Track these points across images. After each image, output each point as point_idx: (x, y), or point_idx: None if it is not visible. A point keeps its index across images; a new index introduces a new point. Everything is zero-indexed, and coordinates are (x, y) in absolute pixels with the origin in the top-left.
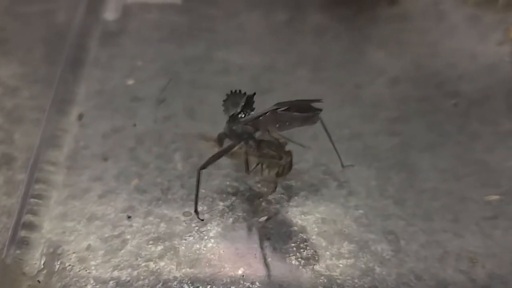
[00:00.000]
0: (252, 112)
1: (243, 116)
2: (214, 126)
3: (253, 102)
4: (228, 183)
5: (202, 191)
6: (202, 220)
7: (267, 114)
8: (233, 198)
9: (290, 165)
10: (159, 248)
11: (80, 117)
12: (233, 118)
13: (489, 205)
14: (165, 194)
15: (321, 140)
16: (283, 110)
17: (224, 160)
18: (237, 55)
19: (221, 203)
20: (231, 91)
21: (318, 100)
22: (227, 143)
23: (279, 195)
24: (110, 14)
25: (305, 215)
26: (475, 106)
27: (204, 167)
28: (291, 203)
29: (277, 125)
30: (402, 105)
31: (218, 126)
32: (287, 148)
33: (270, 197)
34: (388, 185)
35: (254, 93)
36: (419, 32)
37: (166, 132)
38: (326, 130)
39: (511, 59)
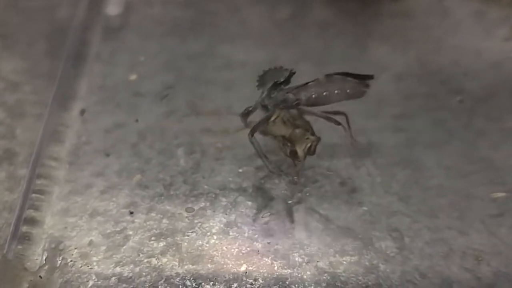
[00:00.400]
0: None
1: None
2: (217, 122)
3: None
4: (231, 179)
5: (205, 187)
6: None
7: (320, 78)
8: (236, 194)
9: (315, 147)
10: (162, 244)
11: (82, 112)
12: (275, 86)
13: (494, 202)
14: (167, 190)
15: (324, 136)
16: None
17: (227, 155)
18: (240, 50)
19: (224, 199)
20: (269, 68)
21: (370, 76)
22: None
23: (283, 192)
24: (112, 8)
25: (308, 212)
26: (481, 103)
27: (253, 132)
28: (294, 200)
29: (325, 93)
30: (407, 102)
31: (221, 122)
32: None
33: (273, 193)
34: (393, 182)
35: (294, 72)
36: (423, 28)
37: (168, 127)
38: (346, 129)
39: None
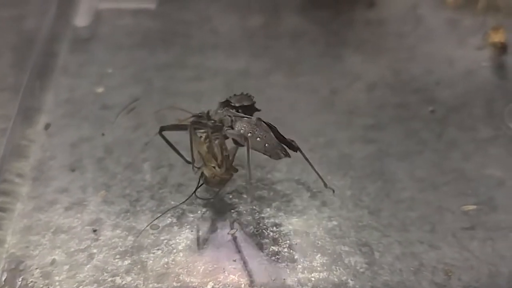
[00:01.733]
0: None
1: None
2: (186, 135)
3: (253, 111)
4: (198, 194)
5: (171, 202)
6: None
7: (253, 118)
8: (203, 209)
9: (222, 181)
10: (126, 262)
11: (47, 126)
12: (226, 103)
13: (466, 215)
14: (133, 206)
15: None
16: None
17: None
18: (210, 60)
19: (191, 215)
20: (243, 93)
21: (294, 147)
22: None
23: (251, 207)
24: (81, 19)
25: (277, 227)
26: (453, 112)
27: (163, 129)
28: (263, 215)
29: (249, 133)
30: (379, 112)
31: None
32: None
33: (241, 208)
34: (363, 195)
35: (259, 110)
36: (396, 36)
37: (135, 141)
38: (306, 158)
39: (490, 64)
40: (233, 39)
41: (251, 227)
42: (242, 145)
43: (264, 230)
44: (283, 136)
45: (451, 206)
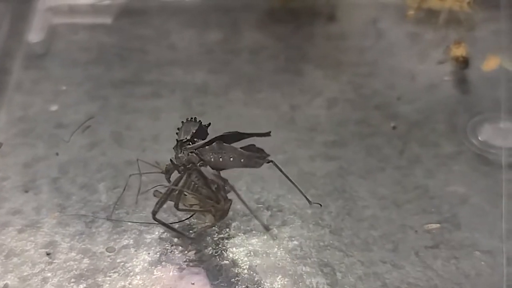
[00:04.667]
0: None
1: (190, 144)
2: (142, 154)
3: (206, 132)
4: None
5: (128, 223)
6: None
7: (213, 143)
8: (161, 230)
9: (226, 212)
10: (82, 286)
11: (0, 145)
12: (180, 144)
13: (429, 233)
14: (89, 228)
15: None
16: (229, 137)
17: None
18: (168, 76)
19: (148, 236)
20: (187, 119)
21: (266, 134)
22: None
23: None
24: (34, 35)
25: (236, 248)
26: (415, 128)
27: (155, 211)
28: (222, 235)
29: (220, 158)
30: (340, 128)
31: (147, 154)
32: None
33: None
34: (325, 214)
35: (209, 124)
36: (357, 51)
37: (91, 160)
38: (282, 172)
39: (452, 79)
40: (191, 54)
41: (210, 248)
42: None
43: (223, 251)
44: (255, 133)
45: (414, 224)
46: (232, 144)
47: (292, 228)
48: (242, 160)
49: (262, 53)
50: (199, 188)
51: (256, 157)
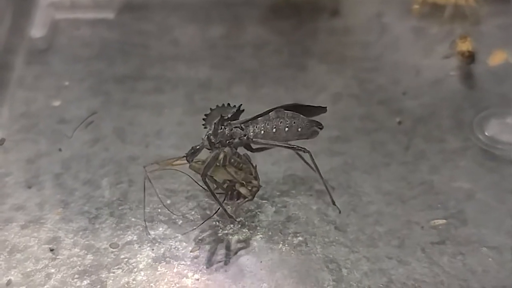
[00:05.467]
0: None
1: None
2: (145, 149)
3: (240, 113)
4: (159, 210)
5: (132, 219)
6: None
7: (270, 113)
8: (165, 226)
9: (256, 192)
10: (85, 282)
11: (2, 141)
12: (222, 121)
13: (435, 229)
14: (92, 224)
15: (258, 162)
16: (287, 108)
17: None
18: (171, 71)
19: (152, 232)
20: (217, 105)
21: (323, 108)
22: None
23: (214, 222)
24: (37, 30)
25: (241, 244)
26: (421, 123)
27: (205, 174)
28: (226, 231)
29: (274, 128)
30: (344, 124)
31: (150, 149)
32: None
33: (205, 225)
34: (329, 210)
35: (241, 105)
36: (361, 46)
37: (94, 156)
38: (316, 165)
39: (458, 73)
40: (194, 49)
41: (214, 244)
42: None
43: (227, 248)
44: (311, 106)
45: (420, 220)
46: None
47: (297, 224)
48: (299, 129)
49: (265, 48)
50: (240, 164)
51: (313, 125)
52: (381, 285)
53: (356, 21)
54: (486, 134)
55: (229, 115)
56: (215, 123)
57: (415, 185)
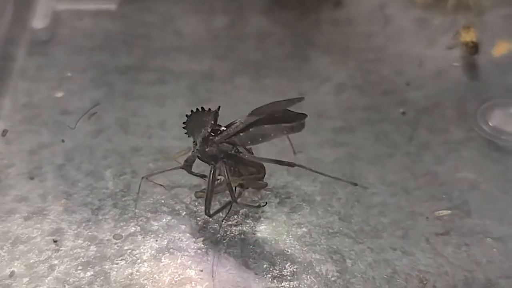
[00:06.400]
0: (223, 128)
1: (213, 135)
2: (148, 140)
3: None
4: (163, 201)
5: (135, 210)
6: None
7: (251, 129)
8: (169, 217)
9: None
10: (89, 273)
11: (4, 132)
12: (205, 140)
13: (440, 220)
14: (95, 215)
15: (262, 154)
16: (262, 111)
17: (159, 176)
18: (174, 63)
19: (156, 224)
20: (192, 111)
21: (299, 99)
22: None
23: (218, 214)
24: (38, 21)
25: (244, 235)
26: (424, 114)
27: (208, 211)
28: (229, 222)
29: (260, 138)
30: (348, 114)
31: (153, 140)
32: None
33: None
34: (333, 200)
35: (219, 107)
36: (365, 36)
37: (97, 147)
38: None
39: (462, 64)
40: (196, 40)
41: (218, 235)
42: None
43: (231, 238)
44: (286, 100)
45: (424, 211)
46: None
47: (301, 215)
48: (285, 132)
49: (268, 39)
50: (240, 170)
51: (298, 121)
52: (386, 276)
53: (359, 12)
54: (490, 124)
55: (208, 130)
56: (198, 142)
57: (419, 175)
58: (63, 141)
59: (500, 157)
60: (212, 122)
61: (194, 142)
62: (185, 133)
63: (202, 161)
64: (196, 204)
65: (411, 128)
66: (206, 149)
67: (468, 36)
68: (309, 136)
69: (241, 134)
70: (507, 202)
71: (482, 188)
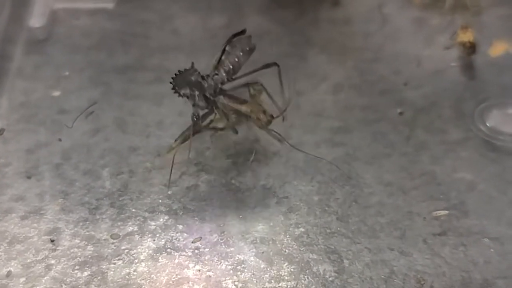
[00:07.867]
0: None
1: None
2: (146, 139)
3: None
4: (160, 201)
5: (132, 210)
6: None
7: (226, 47)
8: (166, 217)
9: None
10: (86, 273)
11: (2, 131)
12: (200, 77)
13: (437, 220)
14: (92, 214)
15: (260, 155)
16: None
17: (156, 175)
18: (171, 62)
19: (153, 223)
20: (179, 71)
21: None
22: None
23: (215, 214)
24: (36, 20)
25: (242, 235)
26: (422, 114)
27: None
28: (228, 222)
29: (236, 59)
30: (345, 114)
31: (150, 139)
32: None
33: (206, 216)
34: (331, 200)
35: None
36: (362, 36)
37: (94, 146)
38: (281, 80)
39: (459, 64)
40: (194, 39)
41: (215, 235)
42: None
43: (229, 238)
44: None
45: (422, 211)
46: None
47: (299, 215)
48: (247, 49)
49: (266, 38)
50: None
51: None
52: (383, 276)
53: (357, 11)
54: (488, 125)
55: (193, 78)
56: (190, 93)
57: (416, 175)
58: (60, 140)
59: (497, 158)
60: (197, 72)
61: (187, 97)
62: (174, 92)
63: (206, 104)
64: (193, 204)
65: (409, 128)
66: (205, 85)
67: (466, 36)
68: (307, 135)
69: (222, 57)
70: (504, 203)
71: (480, 189)
